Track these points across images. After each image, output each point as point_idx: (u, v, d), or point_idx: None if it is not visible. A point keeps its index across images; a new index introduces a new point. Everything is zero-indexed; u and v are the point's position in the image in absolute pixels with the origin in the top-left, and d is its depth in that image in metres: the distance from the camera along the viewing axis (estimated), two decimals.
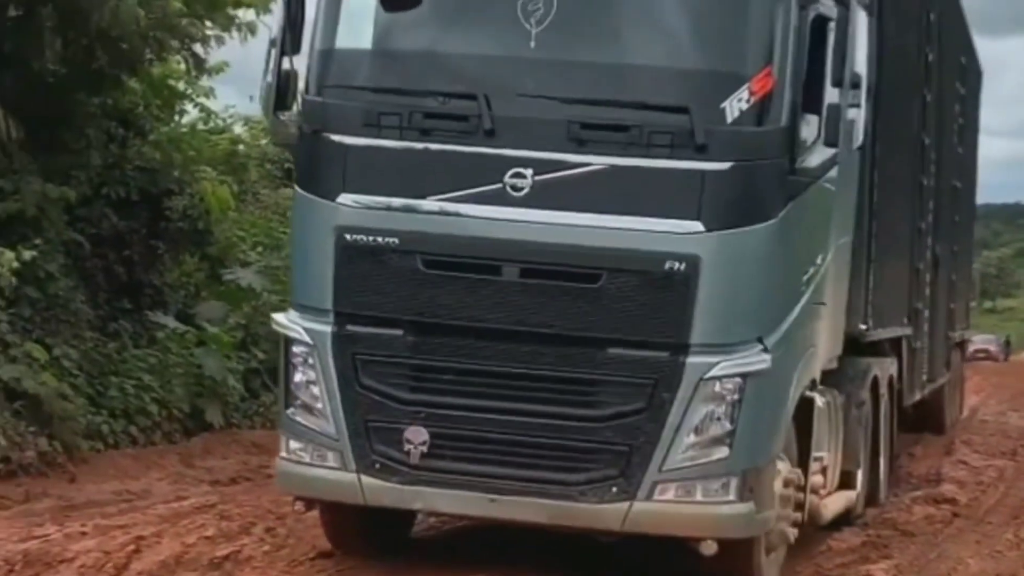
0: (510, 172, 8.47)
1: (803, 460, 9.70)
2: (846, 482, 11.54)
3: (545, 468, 8.56)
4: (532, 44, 8.58)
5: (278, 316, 9.09)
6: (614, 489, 8.45)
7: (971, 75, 18.47)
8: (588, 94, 8.48)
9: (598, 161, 8.42)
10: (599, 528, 8.61)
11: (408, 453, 8.65)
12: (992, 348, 38.07)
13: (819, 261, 9.50)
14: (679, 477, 8.43)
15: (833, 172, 9.67)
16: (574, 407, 8.53)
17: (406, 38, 8.98)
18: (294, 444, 8.96)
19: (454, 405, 8.67)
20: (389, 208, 8.68)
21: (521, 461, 8.59)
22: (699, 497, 8.46)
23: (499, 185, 8.50)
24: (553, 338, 8.51)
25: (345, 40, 8.92)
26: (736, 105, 8.35)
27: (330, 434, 8.78)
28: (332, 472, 8.80)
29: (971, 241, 19.69)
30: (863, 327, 11.72)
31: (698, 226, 8.36)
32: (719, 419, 8.42)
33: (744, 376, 8.42)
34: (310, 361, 8.81)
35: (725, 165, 8.34)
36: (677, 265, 8.34)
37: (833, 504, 10.81)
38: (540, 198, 8.46)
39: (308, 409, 8.86)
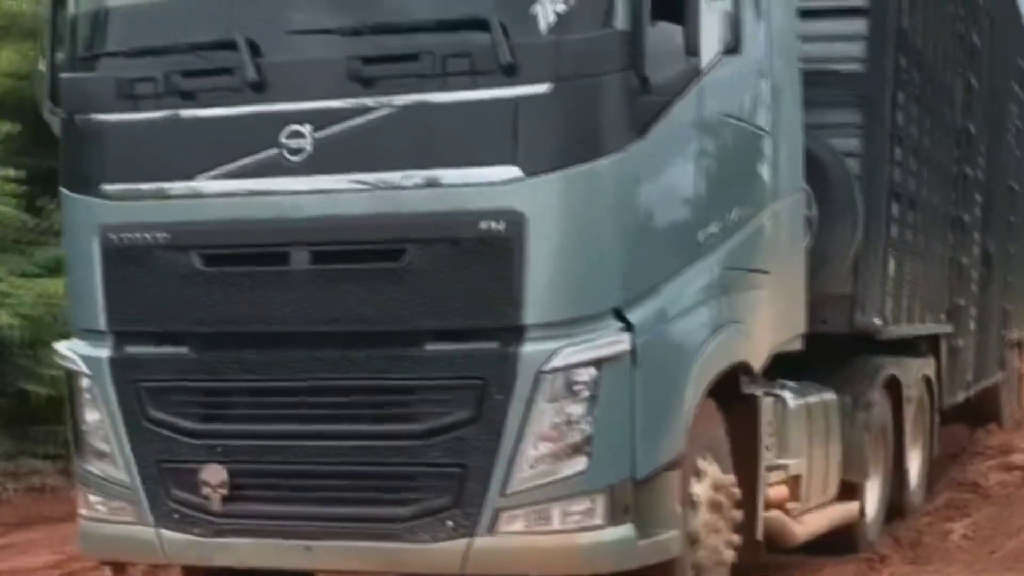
0: (286, 131, 6.17)
1: (750, 468, 7.18)
2: (851, 495, 8.97)
3: (367, 503, 6.21)
4: None
5: (59, 346, 6.89)
6: (449, 523, 6.04)
7: None
8: (367, 20, 6.12)
9: (386, 102, 6.06)
10: (436, 574, 6.18)
11: (207, 498, 6.36)
12: None
13: (733, 216, 7.00)
14: (529, 501, 5.98)
15: (764, 108, 7.28)
16: (392, 423, 6.17)
17: None
18: (92, 497, 6.75)
19: (253, 434, 6.38)
20: (156, 196, 6.45)
21: (338, 497, 6.26)
22: (556, 524, 5.99)
23: (276, 150, 6.20)
24: (359, 337, 6.17)
25: (92, 2, 6.70)
26: (550, 8, 5.92)
27: (123, 482, 6.57)
28: (130, 528, 6.58)
29: None
30: (878, 321, 9.22)
31: (516, 171, 5.93)
32: (572, 422, 5.95)
33: (597, 363, 5.94)
34: (94, 396, 6.59)
35: (543, 88, 5.90)
36: (494, 225, 5.93)
37: (814, 521, 8.19)
38: (324, 160, 6.16)
39: (99, 454, 6.66)
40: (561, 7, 5.90)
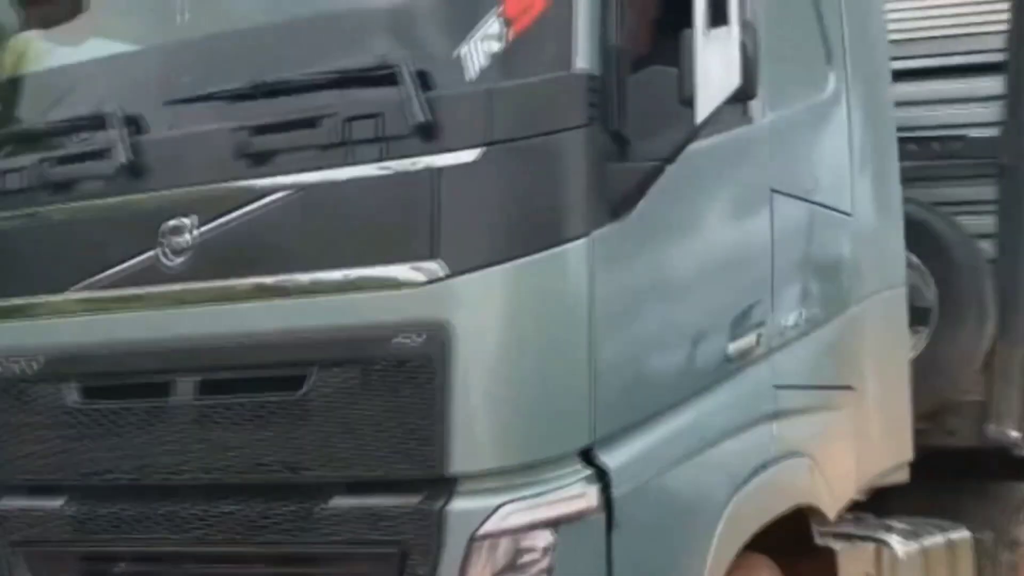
0: (166, 227, 4.67)
1: None
2: None
3: None
4: (180, 18, 4.81)
5: None
6: None
7: None
8: (256, 80, 4.58)
9: (280, 183, 4.50)
10: None
11: None
12: None
13: (789, 321, 5.22)
14: None
15: (838, 181, 5.53)
16: None
17: (19, 54, 5.31)
18: None
19: None
20: (24, 315, 5.00)
21: None
22: None
23: (154, 251, 4.70)
24: (253, 491, 4.57)
25: None
26: (480, 48, 4.29)
27: None
28: None
29: None
30: (1016, 434, 7.26)
31: (436, 269, 4.27)
32: None
33: (553, 524, 4.21)
34: None
35: (471, 154, 4.25)
36: (410, 341, 4.27)
37: None
38: (209, 262, 4.64)
39: None
40: (496, 46, 4.25)
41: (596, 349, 4.28)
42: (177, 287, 4.64)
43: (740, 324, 4.94)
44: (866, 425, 5.76)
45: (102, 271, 4.80)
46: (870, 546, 5.90)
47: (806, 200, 5.38)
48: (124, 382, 4.76)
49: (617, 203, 4.33)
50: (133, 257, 4.73)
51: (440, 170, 4.24)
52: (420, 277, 4.24)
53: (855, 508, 5.92)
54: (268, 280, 4.51)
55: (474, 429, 4.21)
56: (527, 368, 4.24)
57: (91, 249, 4.84)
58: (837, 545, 5.49)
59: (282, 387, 4.45)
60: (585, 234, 4.25)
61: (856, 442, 5.68)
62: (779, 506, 5.03)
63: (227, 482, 4.56)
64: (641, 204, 4.40)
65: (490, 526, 4.17)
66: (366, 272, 4.34)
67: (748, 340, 4.96)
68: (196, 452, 4.60)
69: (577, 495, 4.22)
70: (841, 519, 5.68)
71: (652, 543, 4.37)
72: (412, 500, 4.27)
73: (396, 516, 4.28)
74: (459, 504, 4.22)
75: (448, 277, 4.22)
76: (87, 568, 4.89)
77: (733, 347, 4.89)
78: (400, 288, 4.27)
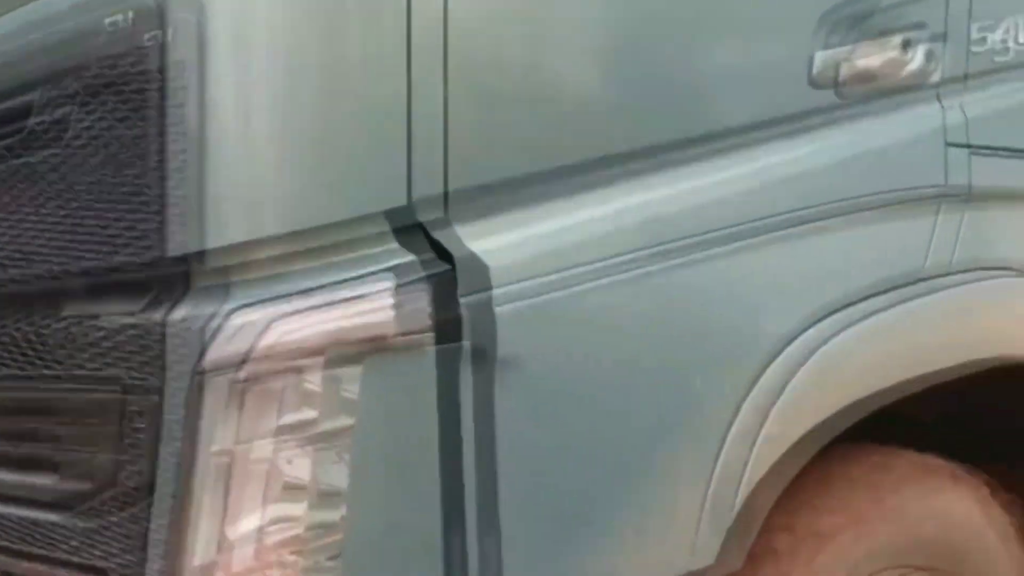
0: None
1: None
2: None
3: None
4: None
5: None
6: None
7: None
8: None
9: None
10: None
11: None
12: None
13: (995, 36, 2.90)
14: None
15: None
16: (32, 473, 2.75)
17: None
18: None
19: None
20: None
21: None
22: None
23: None
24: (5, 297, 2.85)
25: None
26: None
27: None
28: None
29: None
30: None
31: None
32: (285, 487, 2.26)
33: (318, 351, 2.21)
34: None
35: None
36: (120, 20, 2.37)
37: None
38: None
39: None
40: None
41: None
42: None
43: (863, 19, 2.66)
44: None
45: None
46: None
47: None
48: None
49: None
50: None
51: None
52: None
53: None
54: None
55: (206, 179, 2.28)
56: (299, 53, 2.25)
57: None
58: None
59: (11, 124, 2.70)
60: None
61: None
62: (947, 357, 2.75)
63: None
64: None
65: (219, 349, 2.24)
66: None
67: (887, 52, 2.68)
68: None
69: (379, 291, 2.19)
70: None
71: (577, 409, 2.28)
72: (133, 307, 2.41)
73: (114, 333, 2.44)
74: (182, 312, 2.31)
75: None
76: None
77: (844, 64, 2.63)
78: None
